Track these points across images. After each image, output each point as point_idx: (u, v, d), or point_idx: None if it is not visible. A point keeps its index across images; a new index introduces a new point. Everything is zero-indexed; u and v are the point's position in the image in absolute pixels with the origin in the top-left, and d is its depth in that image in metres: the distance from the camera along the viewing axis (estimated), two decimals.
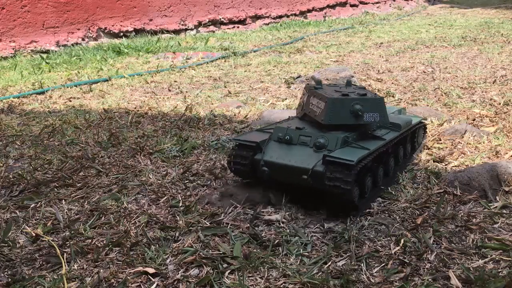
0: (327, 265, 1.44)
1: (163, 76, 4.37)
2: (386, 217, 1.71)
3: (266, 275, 1.39)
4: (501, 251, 1.48)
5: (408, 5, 11.73)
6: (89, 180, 2.11)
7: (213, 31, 7.45)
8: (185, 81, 4.12)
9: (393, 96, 3.36)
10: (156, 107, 3.29)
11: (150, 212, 1.80)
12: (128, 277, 1.40)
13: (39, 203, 1.91)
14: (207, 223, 1.70)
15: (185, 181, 2.07)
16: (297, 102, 3.25)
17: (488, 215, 1.69)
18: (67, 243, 1.60)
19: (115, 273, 1.42)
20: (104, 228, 1.70)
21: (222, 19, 7.63)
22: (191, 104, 3.29)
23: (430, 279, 1.35)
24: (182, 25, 7.07)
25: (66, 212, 1.83)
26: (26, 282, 1.39)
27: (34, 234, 1.65)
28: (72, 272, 1.44)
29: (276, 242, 1.56)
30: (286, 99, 3.42)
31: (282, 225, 1.67)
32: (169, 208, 1.83)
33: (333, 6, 9.76)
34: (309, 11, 9.21)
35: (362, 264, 1.43)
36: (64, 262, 1.48)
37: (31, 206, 1.89)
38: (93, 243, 1.60)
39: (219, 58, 5.12)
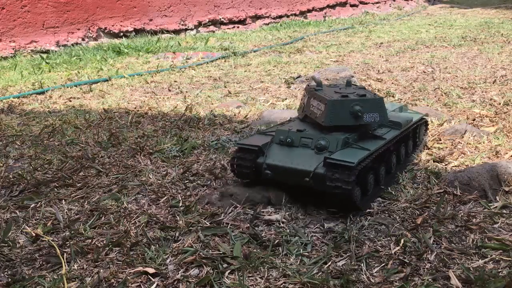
0: (327, 265, 1.44)
1: (163, 76, 4.37)
2: (386, 217, 1.71)
3: (266, 275, 1.39)
4: (501, 251, 1.48)
5: (408, 5, 11.73)
6: (89, 180, 2.11)
7: (213, 31, 7.45)
8: (185, 81, 4.12)
9: (393, 96, 3.36)
10: (156, 107, 3.29)
11: (150, 212, 1.80)
12: (128, 277, 1.40)
13: (39, 203, 1.91)
14: (207, 223, 1.70)
15: (185, 181, 2.07)
16: (297, 102, 3.26)
17: (488, 215, 1.69)
18: (67, 243, 1.60)
19: (115, 273, 1.42)
20: (104, 228, 1.70)
21: (222, 19, 7.63)
22: (191, 104, 3.29)
23: (430, 279, 1.35)
24: (182, 25, 7.07)
25: (66, 212, 1.83)
26: (26, 282, 1.39)
27: (34, 234, 1.65)
28: (72, 272, 1.44)
29: (276, 242, 1.56)
30: (286, 99, 3.42)
31: (282, 225, 1.67)
32: (169, 208, 1.83)
33: (333, 6, 9.77)
34: (309, 11, 9.21)
35: (362, 264, 1.43)
36: (64, 262, 1.48)
37: (31, 206, 1.89)
38: (93, 243, 1.60)
39: (219, 58, 5.12)
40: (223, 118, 2.96)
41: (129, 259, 1.49)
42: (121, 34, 6.38)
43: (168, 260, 1.49)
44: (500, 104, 3.07)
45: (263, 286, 1.35)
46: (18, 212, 1.84)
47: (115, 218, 1.76)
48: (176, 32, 6.98)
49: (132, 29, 6.49)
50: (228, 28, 7.71)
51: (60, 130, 2.82)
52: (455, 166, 2.14)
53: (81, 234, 1.66)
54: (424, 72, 4.17)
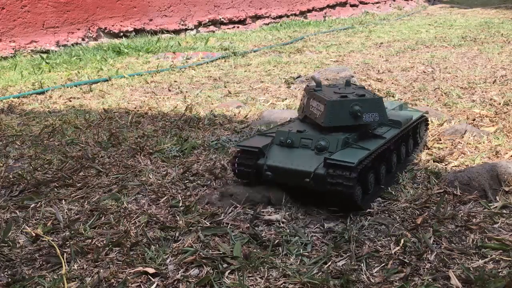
0: (327, 265, 1.44)
1: (163, 76, 4.37)
2: (386, 217, 1.71)
3: (266, 275, 1.39)
4: (501, 251, 1.48)
5: (408, 5, 11.73)
6: (89, 180, 2.11)
7: (213, 31, 7.45)
8: (185, 81, 4.12)
9: (393, 96, 3.36)
10: (156, 107, 3.29)
11: (150, 212, 1.80)
12: (128, 277, 1.40)
13: (39, 203, 1.91)
14: (207, 223, 1.70)
15: (185, 181, 2.07)
16: (297, 102, 3.26)
17: (488, 215, 1.69)
18: (67, 243, 1.60)
19: (115, 273, 1.42)
20: (104, 228, 1.70)
21: (222, 19, 7.63)
22: (191, 104, 3.29)
23: (430, 279, 1.35)
24: (182, 25, 7.07)
25: (66, 212, 1.83)
26: (26, 282, 1.39)
27: (34, 234, 1.65)
28: (72, 272, 1.44)
29: (276, 242, 1.56)
30: (286, 99, 3.42)
31: (282, 225, 1.67)
32: (169, 208, 1.83)
33: (333, 6, 9.76)
34: (309, 11, 9.21)
35: (362, 264, 1.43)
36: (64, 262, 1.48)
37: (31, 206, 1.89)
38: (93, 243, 1.60)
39: (219, 58, 5.12)
40: (223, 118, 2.96)
41: (129, 259, 1.49)
42: (121, 34, 6.38)
43: (168, 260, 1.49)
44: (500, 104, 3.07)
45: (263, 286, 1.35)
46: (18, 212, 1.84)
47: (115, 218, 1.76)
48: (176, 32, 6.97)
49: (132, 29, 6.49)
50: (228, 28, 7.71)
51: (60, 130, 2.82)
52: (455, 166, 2.14)
53: (81, 234, 1.66)
54: (424, 72, 4.17)
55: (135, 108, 3.29)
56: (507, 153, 2.23)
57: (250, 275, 1.40)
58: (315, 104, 1.87)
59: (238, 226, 1.67)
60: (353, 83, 2.09)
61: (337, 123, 1.79)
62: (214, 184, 2.04)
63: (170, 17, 6.94)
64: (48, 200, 1.93)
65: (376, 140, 1.82)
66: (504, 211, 1.72)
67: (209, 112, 3.09)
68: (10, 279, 1.41)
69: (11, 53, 5.35)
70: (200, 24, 7.31)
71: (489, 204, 1.76)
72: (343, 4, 10.04)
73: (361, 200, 1.73)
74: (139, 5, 6.54)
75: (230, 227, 1.66)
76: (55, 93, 3.79)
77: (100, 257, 1.51)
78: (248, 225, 1.67)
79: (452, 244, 1.53)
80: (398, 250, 1.50)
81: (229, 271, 1.41)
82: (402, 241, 1.54)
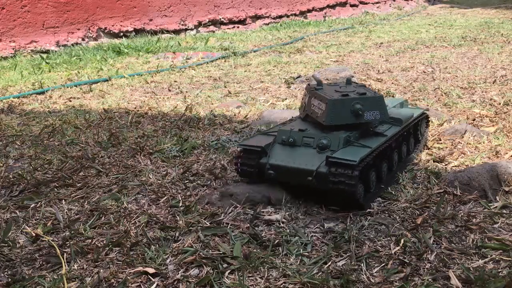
0: (327, 265, 1.44)
1: (163, 76, 4.37)
2: (386, 217, 1.71)
3: (266, 275, 1.39)
4: (501, 251, 1.48)
5: (408, 5, 11.73)
6: (89, 180, 2.11)
7: (213, 31, 7.45)
8: (185, 81, 4.12)
9: (393, 96, 3.36)
10: (156, 107, 3.29)
11: (150, 212, 1.80)
12: (128, 277, 1.40)
13: (39, 203, 1.91)
14: (207, 223, 1.70)
15: (185, 181, 2.07)
16: (297, 102, 3.26)
17: (488, 215, 1.69)
18: (67, 243, 1.60)
19: (115, 273, 1.42)
20: (104, 228, 1.70)
21: (222, 19, 7.63)
22: (191, 104, 3.29)
23: (430, 279, 1.35)
24: (182, 25, 7.07)
25: (66, 212, 1.83)
26: (26, 282, 1.39)
27: (34, 234, 1.65)
28: (72, 272, 1.44)
29: (276, 242, 1.56)
30: (286, 99, 3.42)
31: (282, 225, 1.67)
32: (169, 208, 1.83)
33: (333, 6, 9.77)
34: (309, 11, 9.21)
35: (362, 264, 1.43)
36: (64, 262, 1.48)
37: (31, 206, 1.89)
38: (93, 243, 1.60)
39: (219, 58, 5.12)
40: (223, 118, 2.96)
41: (129, 259, 1.49)
42: (121, 34, 6.38)
43: (168, 260, 1.49)
44: (500, 104, 3.07)
45: (263, 286, 1.35)
46: (18, 212, 1.84)
47: (115, 218, 1.76)
48: (176, 32, 6.98)
49: (132, 29, 6.49)
50: (228, 28, 7.71)
51: (60, 130, 2.82)
52: (455, 166, 2.14)
53: (81, 234, 1.66)
54: (424, 72, 4.17)
55: (135, 108, 3.29)
56: (507, 153, 2.23)
57: (250, 275, 1.40)
58: (317, 102, 1.88)
59: (238, 226, 1.67)
60: (353, 82, 2.09)
61: (339, 121, 1.80)
62: (214, 184, 2.04)
63: (170, 17, 6.94)
64: (48, 200, 1.93)
65: (377, 138, 1.83)
66: (504, 211, 1.71)
67: (209, 112, 3.09)
68: (10, 279, 1.41)
69: (11, 53, 5.36)
70: (200, 24, 7.32)
71: (489, 204, 1.76)
72: (343, 4, 10.04)
73: (363, 198, 1.73)
74: (139, 5, 6.54)
75: (230, 227, 1.66)
76: (55, 93, 3.79)
77: (100, 257, 1.51)
78: (248, 225, 1.67)
79: (452, 244, 1.53)
80: (398, 250, 1.50)
81: (229, 271, 1.41)
82: (402, 241, 1.54)
